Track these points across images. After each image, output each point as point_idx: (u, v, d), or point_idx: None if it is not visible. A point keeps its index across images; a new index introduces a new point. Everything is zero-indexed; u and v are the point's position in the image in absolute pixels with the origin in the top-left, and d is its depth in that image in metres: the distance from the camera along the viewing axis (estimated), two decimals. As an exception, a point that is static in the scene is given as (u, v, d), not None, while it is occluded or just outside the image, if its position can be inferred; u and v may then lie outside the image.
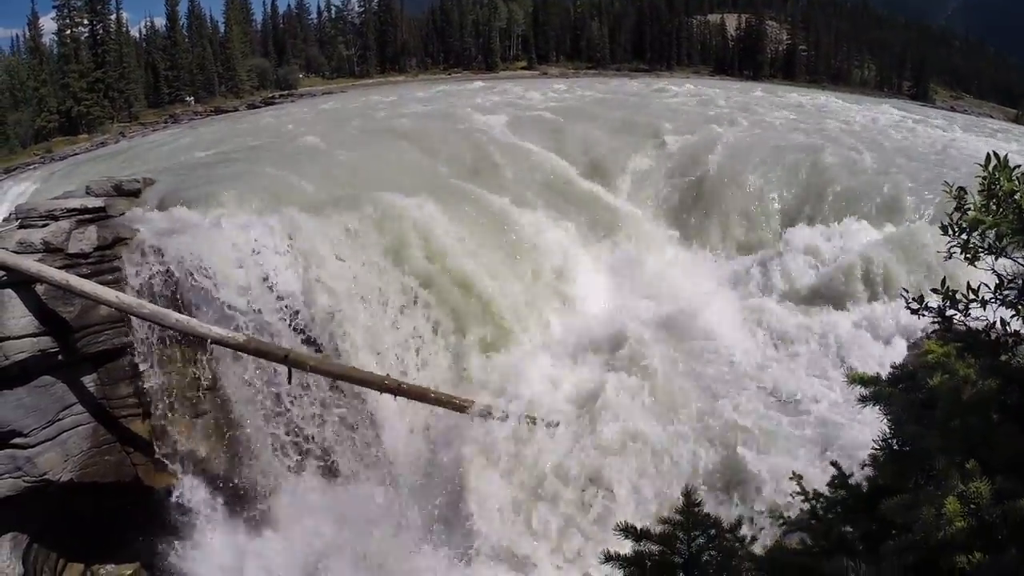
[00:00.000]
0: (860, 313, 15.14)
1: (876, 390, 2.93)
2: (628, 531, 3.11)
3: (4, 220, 15.69)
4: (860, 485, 3.13)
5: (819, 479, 3.56)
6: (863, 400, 3.03)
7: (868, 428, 10.18)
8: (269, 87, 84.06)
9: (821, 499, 3.26)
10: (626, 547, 3.14)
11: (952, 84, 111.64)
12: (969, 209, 3.33)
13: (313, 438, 12.84)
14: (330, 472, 12.93)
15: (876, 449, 2.97)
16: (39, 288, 11.87)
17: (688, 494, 3.13)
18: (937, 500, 2.25)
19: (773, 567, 2.73)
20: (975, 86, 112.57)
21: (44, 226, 12.55)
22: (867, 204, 19.03)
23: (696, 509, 3.02)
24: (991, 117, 79.37)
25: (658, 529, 3.08)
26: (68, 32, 69.77)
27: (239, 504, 13.07)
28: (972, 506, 2.23)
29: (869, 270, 15.80)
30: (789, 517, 3.26)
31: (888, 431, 2.91)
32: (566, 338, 14.67)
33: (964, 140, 31.89)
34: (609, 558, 3.16)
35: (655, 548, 3.01)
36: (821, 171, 20.87)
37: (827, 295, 15.93)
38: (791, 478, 3.48)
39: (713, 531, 2.99)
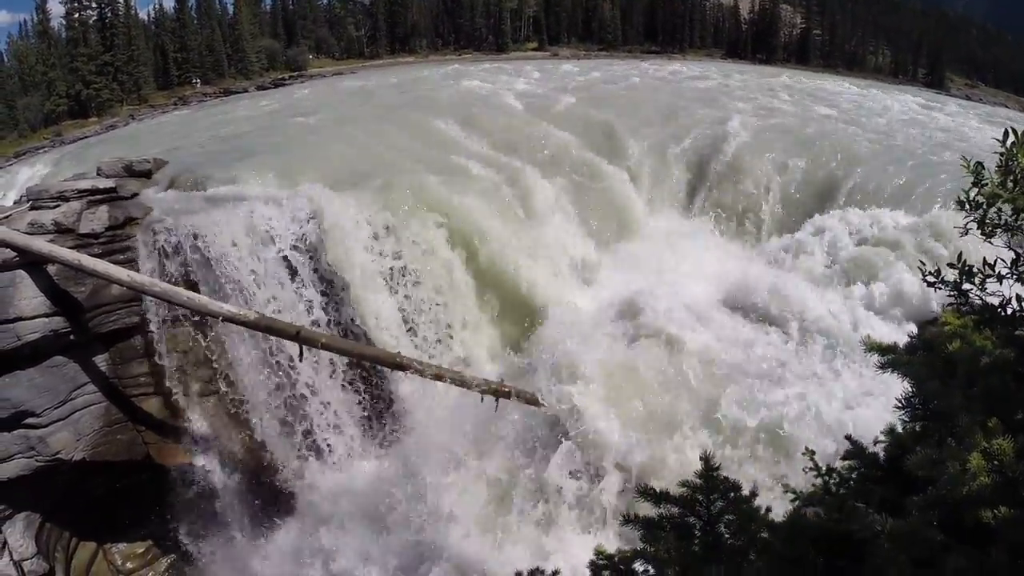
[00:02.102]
0: (879, 293, 15.11)
1: (894, 357, 2.92)
2: (648, 494, 3.11)
3: (15, 202, 15.73)
4: (876, 454, 3.12)
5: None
6: (882, 367, 3.02)
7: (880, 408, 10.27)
8: (279, 68, 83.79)
9: (834, 474, 3.26)
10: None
11: (968, 72, 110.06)
12: (986, 184, 3.29)
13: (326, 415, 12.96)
14: (343, 448, 13.02)
15: (899, 407, 2.96)
16: (51, 268, 11.92)
17: (707, 458, 3.12)
18: (961, 456, 2.25)
19: (792, 531, 2.73)
20: (991, 74, 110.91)
21: (55, 207, 12.59)
22: (895, 191, 18.93)
23: (715, 473, 3.02)
24: (1006, 106, 78.26)
25: (678, 492, 3.09)
26: (76, 16, 69.77)
27: (252, 480, 13.18)
28: (996, 462, 2.22)
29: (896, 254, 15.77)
30: (802, 492, 3.26)
31: (910, 390, 2.90)
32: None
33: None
34: (628, 520, 3.17)
35: (675, 510, 3.02)
36: (848, 158, 20.82)
37: (850, 278, 15.91)
38: (803, 453, 3.47)
39: (732, 494, 2.99)
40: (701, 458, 3.14)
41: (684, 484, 3.12)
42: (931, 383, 2.66)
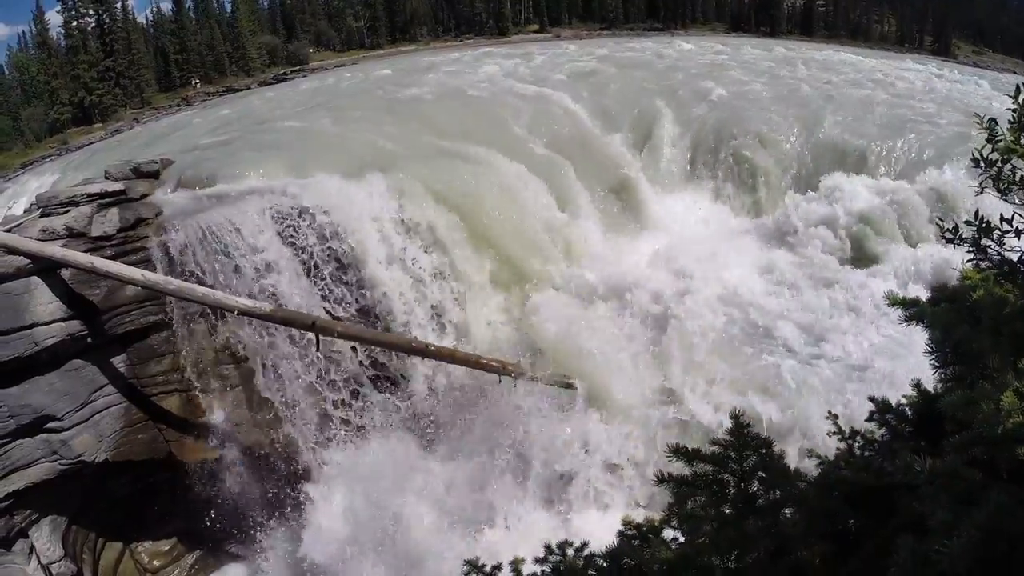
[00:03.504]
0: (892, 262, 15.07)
1: (919, 309, 2.92)
2: (680, 452, 3.12)
3: (26, 210, 15.84)
4: (904, 408, 3.11)
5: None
6: (907, 320, 3.02)
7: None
8: (280, 64, 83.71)
9: (858, 437, 3.25)
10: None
11: (975, 39, 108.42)
12: (1000, 140, 3.25)
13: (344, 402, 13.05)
14: (362, 434, 13.09)
15: (929, 351, 2.96)
16: (65, 273, 12.01)
17: (737, 416, 3.12)
18: (994, 396, 2.25)
19: (826, 485, 2.75)
20: (999, 41, 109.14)
21: (65, 212, 12.67)
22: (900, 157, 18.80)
23: (745, 430, 3.02)
24: (1014, 72, 77.09)
25: (709, 451, 3.09)
26: (74, 24, 69.68)
27: (275, 471, 13.29)
28: (1028, 400, 2.23)
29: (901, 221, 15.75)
30: (827, 457, 3.25)
31: (939, 336, 2.90)
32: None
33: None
34: (662, 479, 3.17)
35: (708, 468, 3.02)
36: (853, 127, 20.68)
37: (855, 247, 15.86)
38: (827, 417, 3.47)
39: (764, 451, 2.99)
40: (731, 416, 3.15)
41: (715, 442, 3.14)
42: (960, 326, 2.67)
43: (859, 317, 13.18)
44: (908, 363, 10.44)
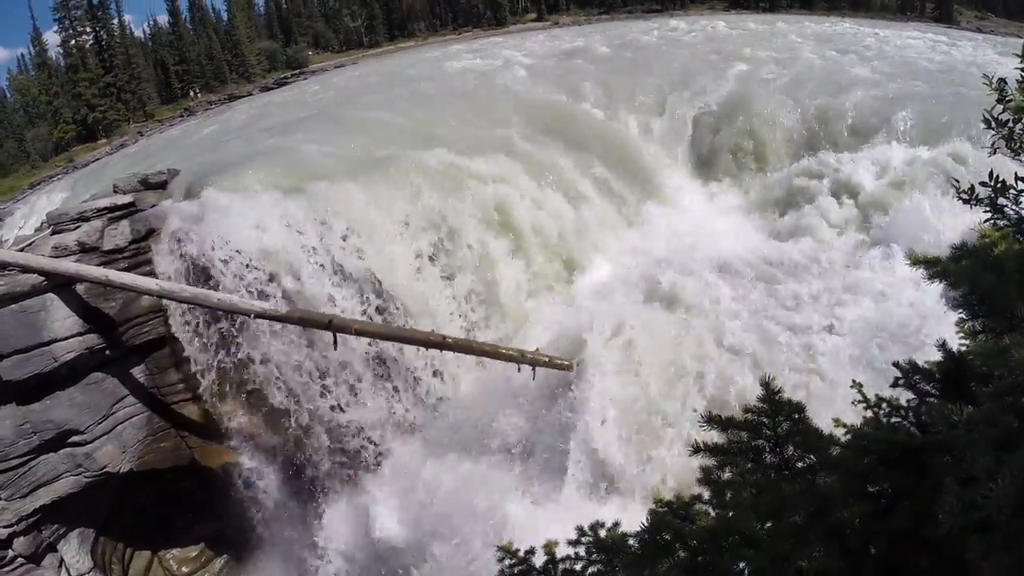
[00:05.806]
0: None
1: (941, 267, 2.91)
2: (713, 421, 3.13)
3: (36, 229, 15.92)
4: (931, 370, 3.10)
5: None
6: (930, 278, 3.01)
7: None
8: (280, 68, 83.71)
9: (884, 405, 3.23)
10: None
11: (977, 4, 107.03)
12: (1011, 100, 3.23)
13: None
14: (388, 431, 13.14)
15: (957, 305, 2.96)
16: (80, 288, 12.06)
17: (767, 383, 3.12)
18: None
19: (859, 445, 2.74)
20: (1001, 4, 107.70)
21: (76, 228, 12.71)
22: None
23: (777, 396, 3.02)
24: (1018, 37, 76.18)
25: (742, 418, 3.10)
26: (72, 42, 69.68)
27: (298, 471, 13.34)
28: (1057, 347, 2.23)
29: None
30: (853, 426, 3.23)
31: (966, 289, 2.89)
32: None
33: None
34: (698, 449, 3.18)
35: (743, 435, 3.03)
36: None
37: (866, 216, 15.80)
38: (852, 386, 3.45)
39: (796, 416, 2.99)
40: (762, 383, 3.15)
41: (748, 410, 3.14)
42: (986, 277, 2.66)
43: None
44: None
